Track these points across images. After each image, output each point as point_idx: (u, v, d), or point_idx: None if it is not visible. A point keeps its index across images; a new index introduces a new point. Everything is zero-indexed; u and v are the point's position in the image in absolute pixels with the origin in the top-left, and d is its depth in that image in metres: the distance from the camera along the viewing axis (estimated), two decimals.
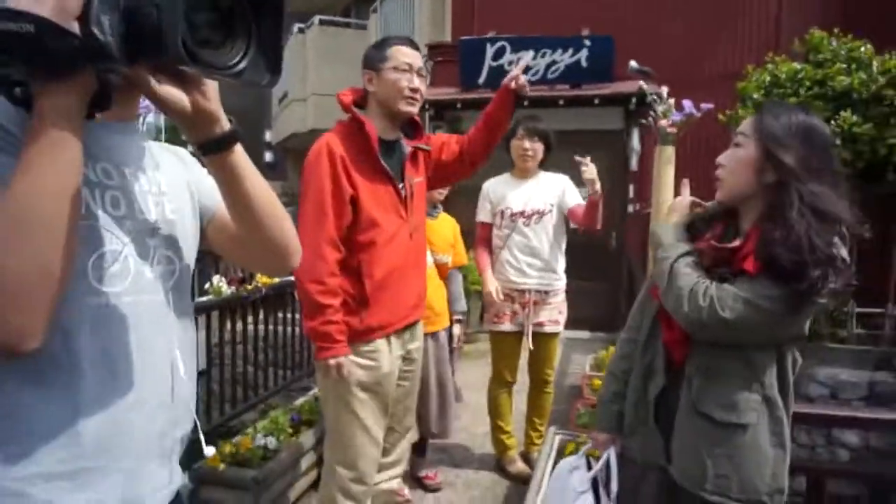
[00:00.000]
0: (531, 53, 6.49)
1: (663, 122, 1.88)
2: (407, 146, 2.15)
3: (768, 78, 4.82)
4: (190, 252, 0.99)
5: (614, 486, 1.58)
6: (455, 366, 3.33)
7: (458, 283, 3.30)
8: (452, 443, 3.69)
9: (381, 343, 2.09)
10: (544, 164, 3.21)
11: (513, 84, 2.03)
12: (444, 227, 3.19)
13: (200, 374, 3.82)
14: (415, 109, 2.08)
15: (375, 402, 2.11)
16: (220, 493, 2.72)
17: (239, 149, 0.88)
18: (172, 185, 0.98)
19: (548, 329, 3.18)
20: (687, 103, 1.84)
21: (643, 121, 2.08)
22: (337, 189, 1.94)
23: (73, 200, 0.71)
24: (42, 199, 0.68)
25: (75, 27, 0.66)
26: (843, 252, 1.27)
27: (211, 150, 0.86)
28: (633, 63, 5.77)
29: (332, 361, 1.94)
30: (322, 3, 12.37)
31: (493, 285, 3.14)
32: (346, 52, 9.70)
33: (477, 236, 3.32)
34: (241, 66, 0.79)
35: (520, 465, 3.34)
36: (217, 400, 3.33)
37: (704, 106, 1.86)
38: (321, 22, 10.94)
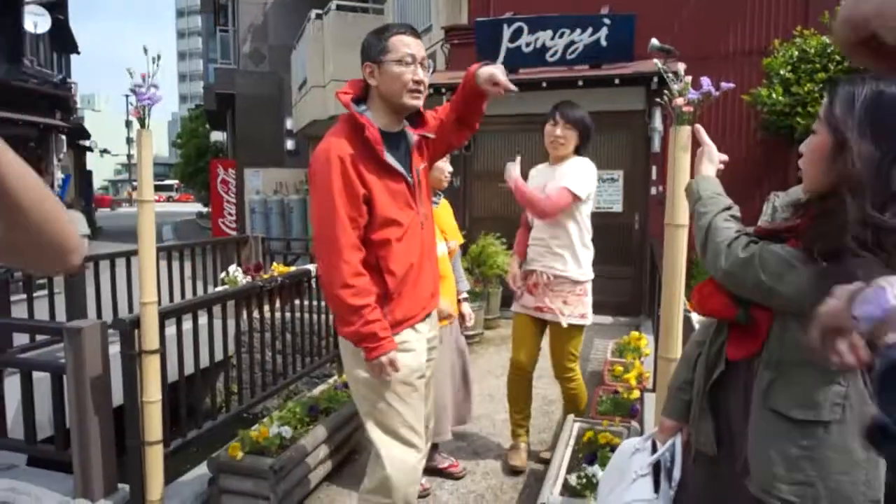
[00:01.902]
0: (549, 33, 6.38)
1: (679, 101, 1.79)
2: (413, 135, 2.09)
3: (796, 53, 4.66)
4: None
5: (677, 474, 1.53)
6: (465, 354, 3.26)
7: (458, 263, 3.27)
8: (472, 430, 3.67)
9: (407, 334, 2.08)
10: (581, 151, 3.12)
11: (489, 88, 1.95)
12: (447, 212, 3.20)
13: (221, 362, 3.86)
14: (420, 102, 2.01)
15: (416, 395, 2.09)
16: (238, 482, 2.75)
17: None
18: None
19: (549, 317, 3.06)
20: (705, 81, 1.75)
21: (658, 100, 1.99)
22: (350, 191, 1.90)
23: None
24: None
25: None
26: None
27: None
28: (653, 41, 5.63)
29: (384, 359, 1.93)
30: None
31: (512, 272, 3.20)
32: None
33: (521, 219, 3.33)
34: None
35: (521, 456, 3.23)
36: (239, 386, 3.36)
37: (725, 84, 1.77)
38: (338, 7, 10.87)
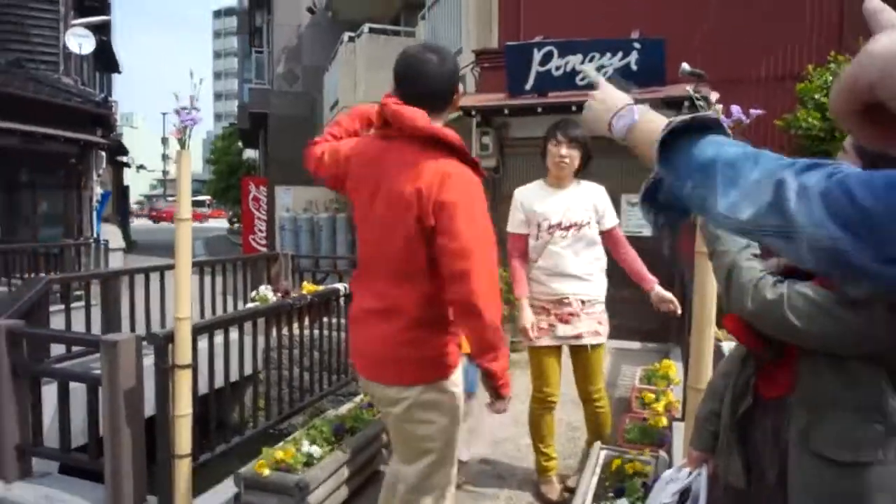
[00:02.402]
0: (579, 57, 6.41)
1: None
2: None
3: (830, 78, 4.61)
4: None
5: None
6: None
7: None
8: (496, 455, 3.65)
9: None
10: (581, 173, 3.07)
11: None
12: None
13: (249, 377, 3.92)
14: None
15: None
16: (264, 498, 2.77)
17: None
18: None
19: (587, 341, 3.01)
20: (735, 109, 1.75)
21: None
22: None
23: None
24: None
25: None
26: None
27: None
28: (684, 65, 5.57)
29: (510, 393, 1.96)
30: (372, 11, 12.56)
31: (528, 320, 3.00)
32: (395, 60, 9.78)
33: (509, 248, 3.09)
34: None
35: (555, 488, 3.16)
36: (266, 402, 3.41)
37: (754, 111, 1.77)
38: (371, 30, 11.08)
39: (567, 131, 2.94)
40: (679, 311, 3.00)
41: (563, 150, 2.93)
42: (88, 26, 11.45)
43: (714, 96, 1.83)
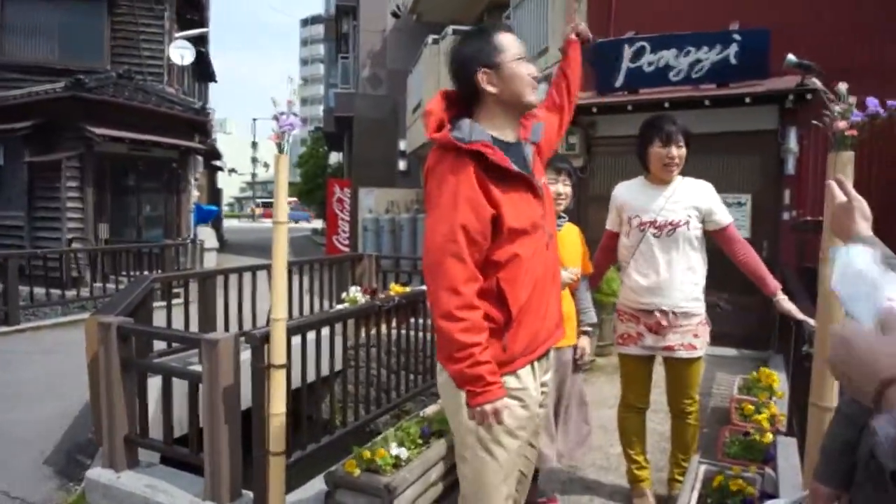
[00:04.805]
0: (673, 52, 6.15)
1: (842, 124, 1.63)
2: (528, 145, 1.90)
3: None
4: None
5: None
6: (579, 384, 3.02)
7: (586, 292, 3.03)
8: (585, 463, 3.53)
9: (525, 374, 1.85)
10: (682, 170, 2.86)
11: (573, 36, 2.18)
12: (572, 236, 2.93)
13: (337, 374, 3.98)
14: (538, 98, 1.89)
15: (518, 450, 1.88)
16: (353, 498, 2.78)
17: None
18: None
19: (680, 354, 2.82)
20: (871, 101, 1.58)
21: (816, 122, 1.81)
22: (477, 211, 1.69)
23: None
24: None
25: None
26: None
27: None
28: (790, 57, 5.26)
29: (488, 407, 1.69)
30: (455, 13, 12.60)
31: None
32: None
33: (600, 244, 3.07)
34: None
35: (650, 502, 3.01)
36: (353, 400, 3.45)
37: (891, 103, 1.60)
38: (454, 32, 11.11)
39: (671, 129, 2.73)
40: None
41: (673, 151, 2.74)
42: (189, 39, 12.12)
43: (843, 87, 1.65)
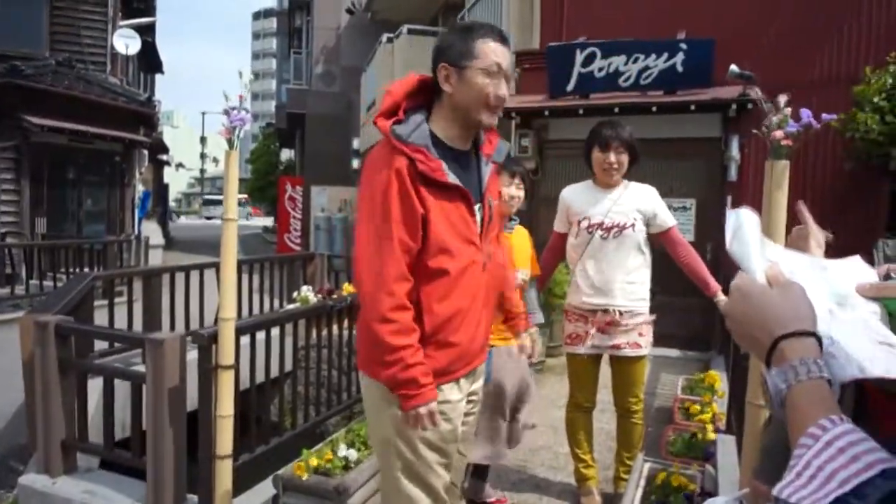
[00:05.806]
0: (622, 58, 6.30)
1: (778, 134, 1.70)
2: (487, 162, 1.84)
3: (890, 80, 4.42)
4: None
5: None
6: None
7: (532, 294, 3.08)
8: (535, 463, 3.58)
9: (449, 389, 1.78)
10: (628, 175, 2.96)
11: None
12: (522, 239, 2.99)
13: (287, 375, 3.92)
14: (495, 120, 1.76)
15: (441, 462, 1.81)
16: (303, 501, 2.75)
17: None
18: None
19: (626, 353, 2.90)
20: (805, 112, 1.66)
21: (755, 131, 1.88)
22: (408, 209, 1.62)
23: None
24: None
25: None
26: None
27: None
28: (733, 67, 5.46)
29: (423, 410, 1.63)
30: (410, 12, 12.57)
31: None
32: None
33: (547, 244, 3.15)
34: None
35: (594, 501, 3.06)
36: (303, 402, 3.41)
37: (826, 116, 1.68)
38: (409, 31, 11.09)
39: (612, 135, 2.82)
40: None
41: (612, 157, 2.83)
42: (135, 27, 11.72)
43: (783, 98, 1.73)
